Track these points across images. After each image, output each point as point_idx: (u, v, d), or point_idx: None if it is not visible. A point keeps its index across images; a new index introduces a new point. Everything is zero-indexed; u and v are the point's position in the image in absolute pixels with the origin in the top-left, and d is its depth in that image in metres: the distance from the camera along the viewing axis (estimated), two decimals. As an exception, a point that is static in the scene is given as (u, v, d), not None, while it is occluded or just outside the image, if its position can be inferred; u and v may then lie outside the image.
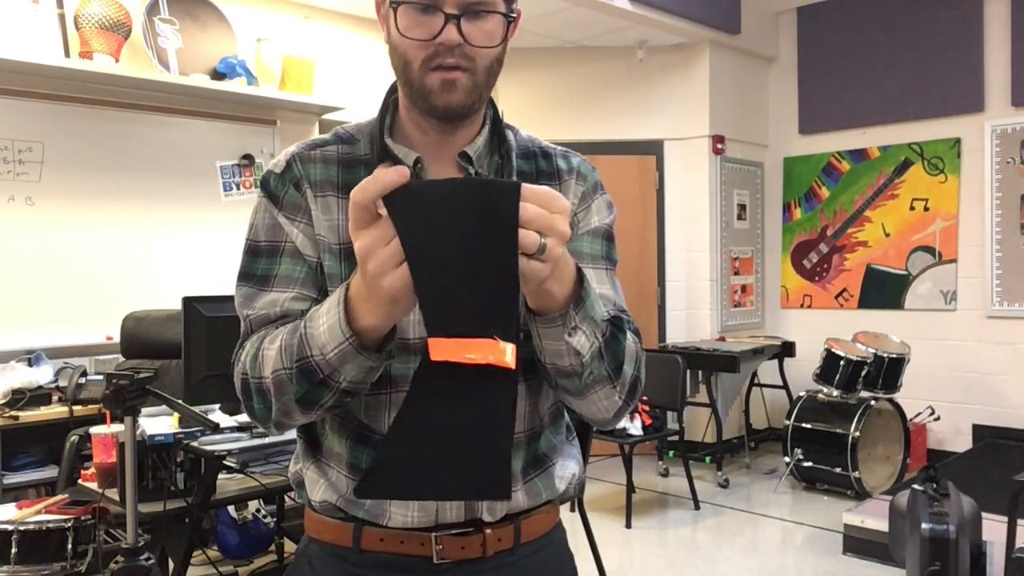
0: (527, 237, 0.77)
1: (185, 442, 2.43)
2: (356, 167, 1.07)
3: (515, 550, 1.07)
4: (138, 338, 3.17)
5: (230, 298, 1.12)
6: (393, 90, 1.10)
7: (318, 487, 1.06)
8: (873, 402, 4.73)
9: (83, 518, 2.27)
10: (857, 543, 3.85)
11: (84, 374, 3.48)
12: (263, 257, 1.06)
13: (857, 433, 4.57)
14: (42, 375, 3.42)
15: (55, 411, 3.33)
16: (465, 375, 0.79)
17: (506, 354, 0.79)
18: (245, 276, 1.06)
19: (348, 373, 0.89)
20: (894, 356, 4.83)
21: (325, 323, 0.88)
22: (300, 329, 0.91)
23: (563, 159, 1.15)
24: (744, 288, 6.11)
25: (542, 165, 1.13)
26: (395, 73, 1.04)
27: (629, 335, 1.00)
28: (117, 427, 2.48)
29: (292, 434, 1.35)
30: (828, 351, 4.87)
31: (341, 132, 1.12)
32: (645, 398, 4.65)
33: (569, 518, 4.36)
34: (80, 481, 2.79)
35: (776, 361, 5.66)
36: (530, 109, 5.81)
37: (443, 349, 0.79)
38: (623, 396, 0.99)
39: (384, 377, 0.98)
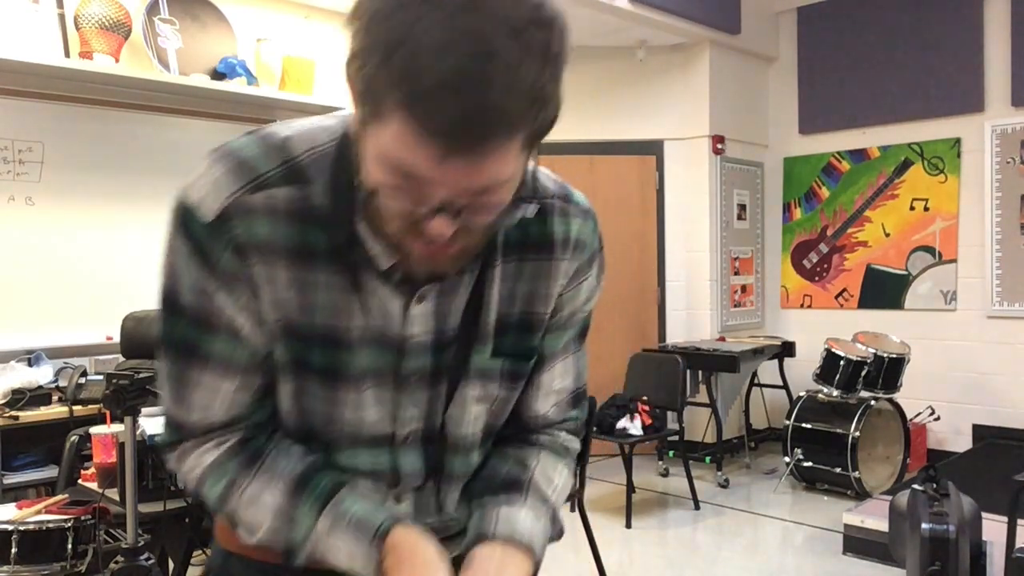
0: None
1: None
2: (311, 227, 0.83)
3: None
4: (138, 338, 3.17)
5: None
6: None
7: None
8: (873, 402, 4.73)
9: (83, 518, 2.27)
10: (857, 543, 3.85)
11: (84, 374, 3.48)
12: (187, 322, 0.86)
13: (857, 433, 4.57)
14: (42, 375, 3.42)
15: (55, 411, 3.33)
16: None
17: None
18: (168, 343, 0.88)
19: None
20: (894, 356, 4.83)
21: (344, 552, 0.88)
22: (312, 536, 0.88)
23: (561, 220, 0.95)
24: (744, 288, 6.11)
25: (533, 232, 0.93)
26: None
27: (566, 472, 1.05)
28: (117, 427, 2.48)
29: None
30: (828, 351, 4.87)
31: (291, 160, 0.83)
32: (645, 398, 4.65)
33: (569, 518, 4.37)
34: (80, 481, 2.79)
35: (776, 361, 5.65)
36: (530, 109, 5.80)
37: None
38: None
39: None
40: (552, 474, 1.02)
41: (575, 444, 1.09)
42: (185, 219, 0.84)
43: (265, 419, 0.92)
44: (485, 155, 0.69)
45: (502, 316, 0.94)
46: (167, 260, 0.86)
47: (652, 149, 5.88)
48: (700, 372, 5.19)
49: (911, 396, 5.21)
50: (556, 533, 1.00)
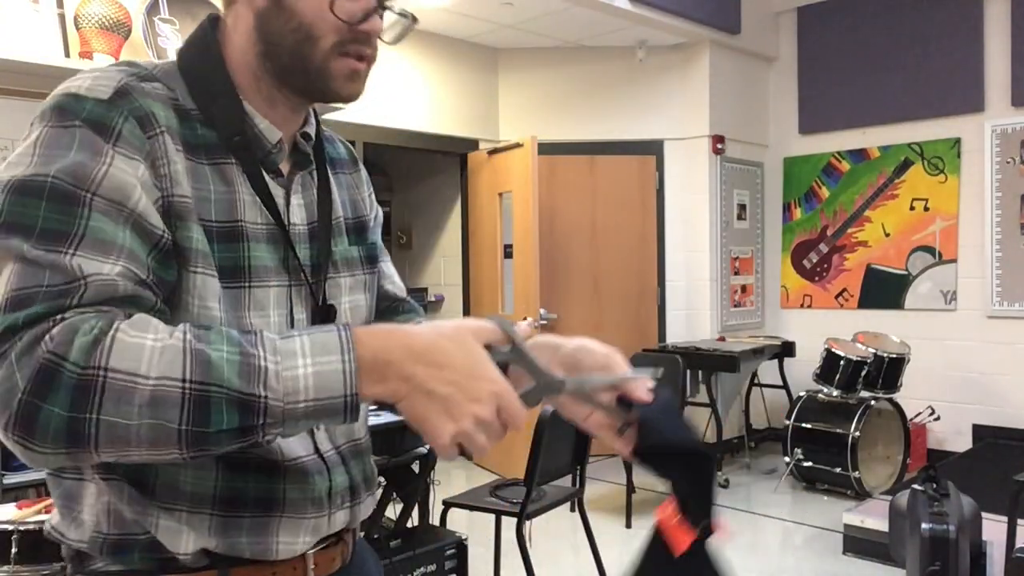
0: None
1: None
2: (190, 122, 0.88)
3: (355, 549, 1.07)
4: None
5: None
6: (212, 33, 0.94)
7: (183, 537, 0.86)
8: (873, 402, 4.73)
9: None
10: (857, 543, 3.85)
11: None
12: (57, 204, 0.76)
13: (857, 433, 4.57)
14: (42, 375, 3.41)
15: (55, 411, 3.32)
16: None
17: (679, 540, 0.84)
18: (20, 227, 0.74)
19: (297, 428, 0.75)
20: (894, 356, 4.83)
21: (311, 367, 0.72)
22: (252, 354, 0.72)
23: (343, 145, 1.14)
24: (744, 288, 6.11)
25: (333, 152, 1.09)
26: (272, 42, 0.90)
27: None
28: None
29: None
30: (828, 351, 4.87)
31: (143, 70, 0.89)
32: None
33: (569, 518, 4.37)
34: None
35: (776, 361, 5.65)
36: (530, 109, 5.81)
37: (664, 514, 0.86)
38: None
39: None
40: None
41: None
42: (70, 106, 0.82)
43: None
44: None
45: (344, 218, 1.05)
46: (30, 151, 0.80)
47: (652, 149, 5.88)
48: (700, 372, 5.19)
49: (911, 396, 5.21)
50: None
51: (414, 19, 0.96)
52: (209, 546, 0.87)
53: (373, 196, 1.15)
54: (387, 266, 1.16)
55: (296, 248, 0.95)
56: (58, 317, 0.71)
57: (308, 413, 0.73)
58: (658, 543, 0.84)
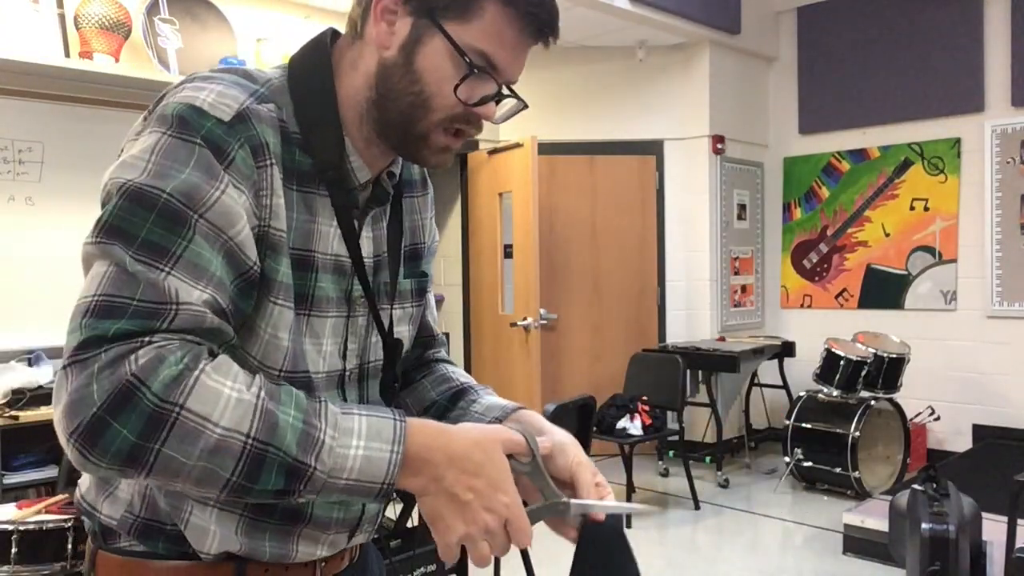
0: None
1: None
2: (289, 146, 0.88)
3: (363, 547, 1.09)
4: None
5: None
6: (327, 54, 0.93)
7: (209, 538, 0.89)
8: (873, 402, 4.73)
9: (83, 518, 2.27)
10: (857, 543, 3.85)
11: (84, 374, 3.48)
12: (165, 220, 0.76)
13: (857, 433, 4.57)
14: (42, 375, 3.41)
15: (55, 411, 3.33)
16: None
17: None
18: (125, 235, 0.75)
19: (329, 498, 0.78)
20: (894, 356, 4.83)
21: (362, 450, 0.76)
22: (315, 426, 0.75)
23: (411, 163, 1.10)
24: (744, 288, 6.11)
25: (414, 172, 1.10)
26: (387, 96, 0.89)
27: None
28: (117, 427, 2.47)
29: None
30: (828, 351, 4.87)
31: (262, 89, 0.87)
32: (645, 398, 4.65)
33: (569, 518, 4.37)
34: (80, 481, 2.78)
35: (776, 361, 5.65)
36: (530, 109, 5.77)
37: None
38: None
39: None
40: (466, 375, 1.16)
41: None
42: (193, 120, 0.81)
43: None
44: (548, 44, 0.92)
45: (404, 247, 1.06)
46: (147, 157, 0.79)
47: (652, 149, 5.88)
48: (700, 372, 5.19)
49: (911, 396, 5.21)
50: None
51: (526, 105, 0.96)
52: (233, 548, 0.89)
53: (433, 220, 1.15)
54: (430, 296, 1.17)
55: (358, 281, 0.96)
56: (146, 339, 0.72)
57: (345, 489, 0.77)
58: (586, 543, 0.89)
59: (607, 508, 0.92)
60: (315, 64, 0.93)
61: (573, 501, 0.89)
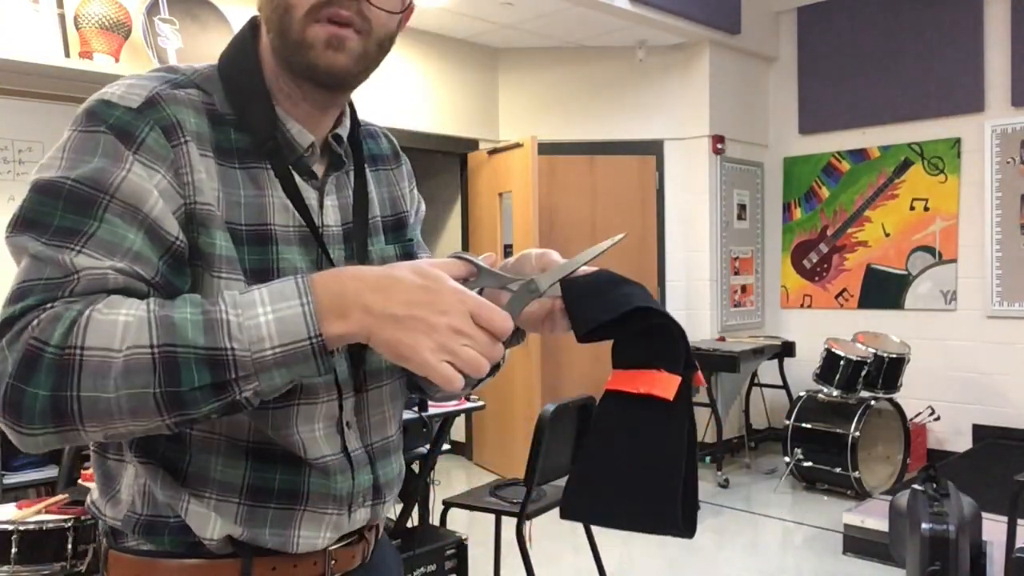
0: None
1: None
2: (224, 128, 0.90)
3: (376, 547, 1.08)
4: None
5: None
6: (249, 35, 0.95)
7: (211, 523, 0.88)
8: (873, 402, 4.73)
9: (83, 518, 2.27)
10: (857, 543, 3.85)
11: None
12: (73, 205, 0.79)
13: (857, 433, 4.57)
14: (42, 375, 3.41)
15: (55, 411, 3.32)
16: (641, 409, 0.83)
17: (669, 386, 0.83)
18: (36, 225, 0.78)
19: (273, 380, 0.75)
20: (894, 356, 4.83)
21: (271, 314, 0.73)
22: (213, 310, 0.74)
23: (386, 139, 1.12)
24: (744, 288, 6.11)
25: (375, 148, 1.09)
26: (265, 19, 0.91)
27: None
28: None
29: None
30: (828, 351, 4.87)
31: (181, 77, 0.90)
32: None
33: (569, 518, 4.37)
34: (80, 481, 2.79)
35: (776, 361, 5.66)
36: (530, 109, 5.81)
37: (618, 379, 0.84)
38: None
39: (295, 387, 0.85)
40: None
41: None
42: (101, 112, 0.83)
43: None
44: None
45: (382, 216, 1.05)
46: (59, 155, 0.82)
47: (652, 149, 5.88)
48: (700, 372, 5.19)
49: (911, 396, 5.21)
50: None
51: None
52: (235, 534, 0.89)
53: (415, 190, 1.14)
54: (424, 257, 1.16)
55: (329, 249, 0.95)
56: (48, 306, 0.74)
57: (278, 361, 0.74)
58: (611, 403, 0.85)
59: (574, 264, 0.88)
60: (239, 49, 0.95)
61: (538, 276, 0.86)
